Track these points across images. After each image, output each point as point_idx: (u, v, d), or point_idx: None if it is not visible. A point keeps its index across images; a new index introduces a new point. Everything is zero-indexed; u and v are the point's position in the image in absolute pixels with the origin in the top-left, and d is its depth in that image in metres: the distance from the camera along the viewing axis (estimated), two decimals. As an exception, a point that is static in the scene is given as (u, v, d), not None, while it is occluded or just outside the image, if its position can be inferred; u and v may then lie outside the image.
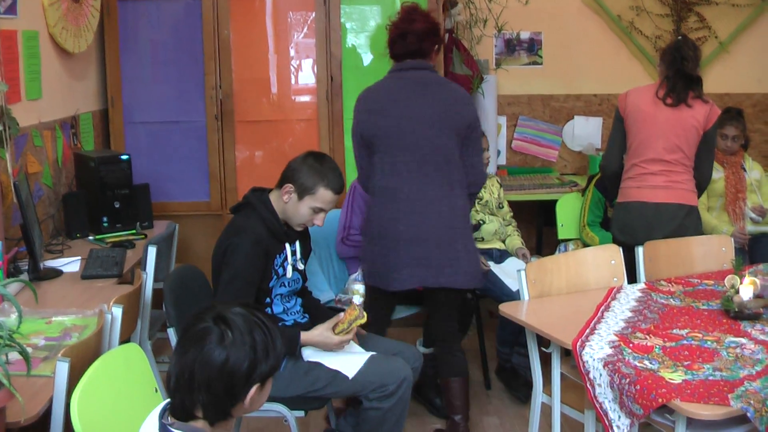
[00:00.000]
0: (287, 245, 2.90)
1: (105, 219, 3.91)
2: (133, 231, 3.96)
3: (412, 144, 3.15)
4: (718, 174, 4.24)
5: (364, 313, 2.82)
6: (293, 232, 2.93)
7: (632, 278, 3.19)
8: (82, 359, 2.15)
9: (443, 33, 4.63)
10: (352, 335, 2.83)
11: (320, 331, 2.81)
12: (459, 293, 3.32)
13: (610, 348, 2.38)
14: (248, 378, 1.66)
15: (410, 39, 3.18)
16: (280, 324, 2.90)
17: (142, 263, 3.36)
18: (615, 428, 2.25)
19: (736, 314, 2.63)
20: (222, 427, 1.71)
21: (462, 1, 5.08)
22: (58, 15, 3.81)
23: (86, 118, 4.30)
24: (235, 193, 4.54)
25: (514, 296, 3.66)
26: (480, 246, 4.06)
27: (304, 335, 2.81)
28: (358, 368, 2.80)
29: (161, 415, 1.70)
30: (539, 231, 5.09)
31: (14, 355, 2.01)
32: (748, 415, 2.00)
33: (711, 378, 2.15)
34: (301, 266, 2.99)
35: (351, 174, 4.28)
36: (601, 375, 2.29)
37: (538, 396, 2.91)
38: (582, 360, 2.37)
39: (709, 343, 2.43)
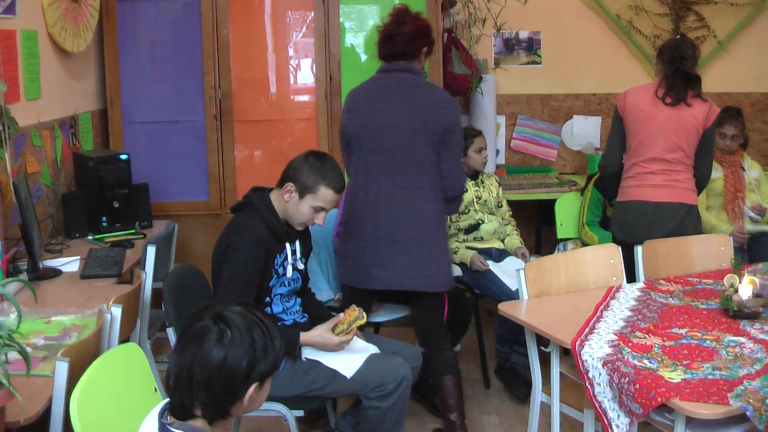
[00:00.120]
0: (287, 245, 2.91)
1: (104, 219, 3.90)
2: (132, 231, 3.95)
3: (386, 145, 3.19)
4: (717, 173, 4.24)
5: (364, 314, 2.83)
6: (294, 231, 2.93)
7: (631, 277, 3.19)
8: (82, 359, 2.15)
9: (442, 32, 4.64)
10: (351, 336, 2.84)
11: (320, 332, 2.81)
12: (438, 295, 3.34)
13: (610, 347, 2.38)
14: (247, 377, 1.66)
15: (397, 41, 3.23)
16: (279, 324, 2.90)
17: (141, 263, 3.36)
18: (614, 427, 2.25)
19: (735, 313, 2.63)
20: (221, 426, 1.71)
21: (461, 1, 5.08)
22: (57, 15, 3.81)
23: (85, 118, 4.30)
24: (234, 192, 4.54)
25: (513, 295, 3.66)
26: (479, 245, 4.07)
27: (304, 336, 2.81)
28: (356, 368, 2.81)
29: (161, 415, 1.70)
30: (538, 230, 5.09)
31: (14, 355, 2.01)
32: (748, 414, 2.00)
33: (710, 377, 2.15)
34: (301, 266, 2.99)
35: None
36: (600, 374, 2.29)
37: (537, 395, 2.91)
38: (581, 359, 2.37)
39: (708, 342, 2.43)
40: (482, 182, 4.18)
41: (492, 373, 4.12)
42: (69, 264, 3.34)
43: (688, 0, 5.19)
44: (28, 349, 1.98)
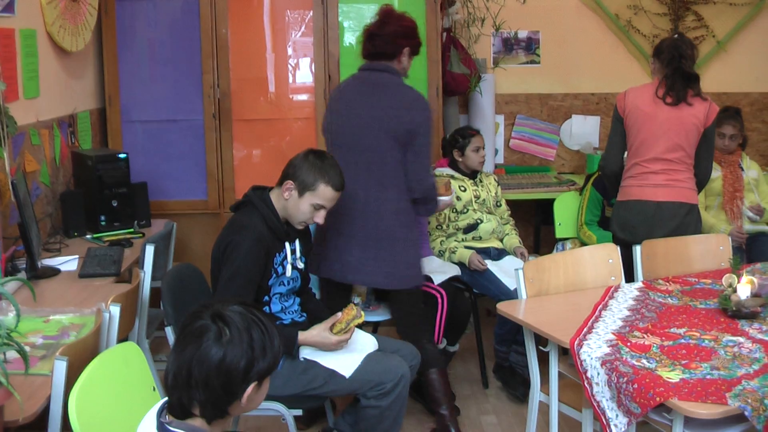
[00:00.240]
0: (287, 244, 2.91)
1: (103, 217, 3.90)
2: (131, 230, 3.95)
3: (353, 143, 3.25)
4: (715, 173, 4.24)
5: (362, 313, 2.82)
6: (293, 230, 2.93)
7: (630, 277, 3.19)
8: (80, 358, 2.15)
9: (441, 32, 4.64)
10: (350, 335, 2.83)
11: (318, 331, 2.81)
12: (412, 290, 3.36)
13: (608, 347, 2.39)
14: (245, 376, 1.66)
15: (377, 41, 3.28)
16: (277, 323, 2.90)
17: (139, 262, 3.36)
18: (612, 427, 2.25)
19: (734, 313, 2.63)
20: (219, 425, 1.71)
21: (460, 0, 5.08)
22: (56, 13, 3.80)
23: (84, 117, 4.29)
24: (232, 191, 4.54)
25: (511, 295, 3.66)
26: (478, 245, 4.07)
27: (302, 335, 2.81)
28: (355, 367, 2.81)
29: (159, 414, 1.70)
30: (537, 230, 5.10)
31: (12, 354, 2.01)
32: (746, 413, 2.00)
33: (708, 377, 2.15)
34: (300, 265, 2.99)
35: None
36: (598, 374, 2.29)
37: (535, 395, 2.91)
38: (580, 359, 2.37)
39: (706, 341, 2.43)
40: (481, 182, 4.18)
41: (490, 372, 4.12)
42: (67, 263, 3.34)
43: (687, 0, 5.19)
44: (27, 348, 1.98)
